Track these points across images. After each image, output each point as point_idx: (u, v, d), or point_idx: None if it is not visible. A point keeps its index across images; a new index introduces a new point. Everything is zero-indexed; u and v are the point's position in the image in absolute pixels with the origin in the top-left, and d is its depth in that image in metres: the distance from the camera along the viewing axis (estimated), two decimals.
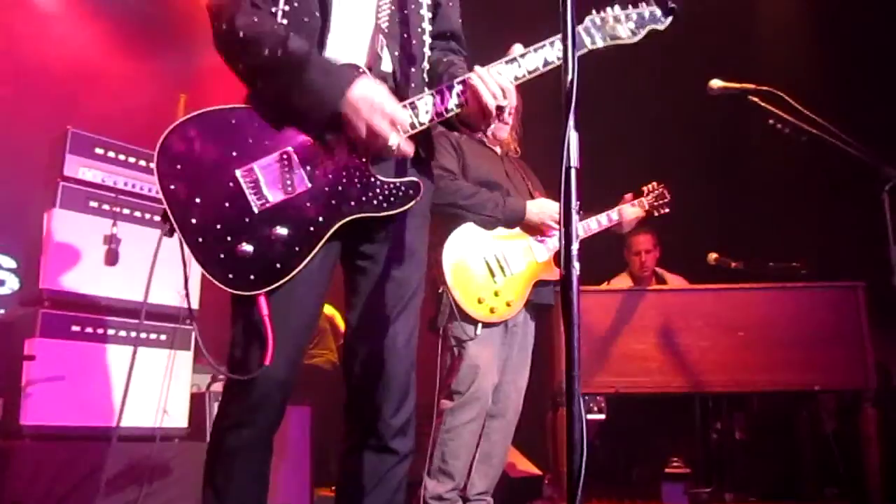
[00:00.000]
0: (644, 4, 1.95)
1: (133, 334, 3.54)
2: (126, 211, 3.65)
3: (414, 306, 1.99)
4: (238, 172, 1.77)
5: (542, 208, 3.39)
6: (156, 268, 3.64)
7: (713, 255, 4.68)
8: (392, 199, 1.83)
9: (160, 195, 1.77)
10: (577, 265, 1.21)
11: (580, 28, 1.87)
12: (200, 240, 1.75)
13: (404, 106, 1.82)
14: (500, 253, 3.36)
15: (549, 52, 1.84)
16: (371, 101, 1.73)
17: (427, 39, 2.00)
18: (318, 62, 1.76)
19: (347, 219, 1.82)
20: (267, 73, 1.78)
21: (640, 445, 5.21)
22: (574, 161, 1.28)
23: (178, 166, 1.76)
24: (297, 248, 1.78)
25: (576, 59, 1.36)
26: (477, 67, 1.83)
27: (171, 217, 1.75)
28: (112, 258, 3.54)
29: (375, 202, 1.82)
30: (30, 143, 5.00)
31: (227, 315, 1.95)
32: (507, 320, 3.35)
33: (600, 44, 1.90)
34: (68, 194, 3.49)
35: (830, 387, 3.90)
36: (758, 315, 3.94)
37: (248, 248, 1.75)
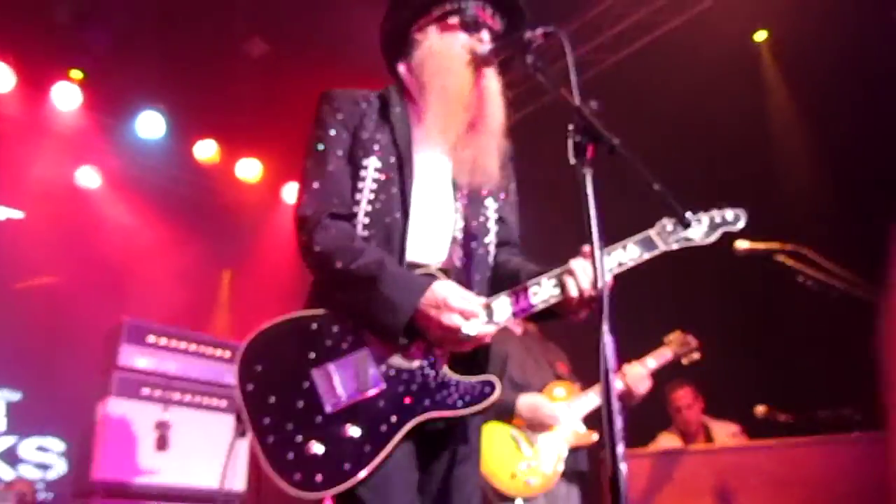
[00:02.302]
0: (716, 210, 2.03)
1: None
2: (176, 395, 3.76)
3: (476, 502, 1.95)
4: (313, 372, 1.79)
5: (534, 411, 3.32)
6: (205, 451, 3.73)
7: (760, 409, 4.55)
8: (467, 397, 1.81)
9: (239, 396, 1.79)
10: (623, 465, 1.25)
11: (652, 232, 1.94)
12: (271, 440, 1.74)
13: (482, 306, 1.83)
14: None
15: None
16: (439, 301, 1.77)
17: (492, 250, 2.06)
18: (390, 275, 1.79)
19: (420, 418, 1.78)
20: (342, 285, 1.83)
21: None
22: (611, 365, 1.35)
23: (258, 367, 1.80)
24: (367, 448, 1.74)
25: (604, 268, 1.44)
26: (580, 258, 1.86)
27: (245, 417, 1.76)
28: (163, 443, 3.63)
29: (450, 401, 1.80)
30: (81, 329, 5.22)
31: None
32: (546, 491, 3.30)
33: (674, 247, 1.95)
34: (122, 383, 3.63)
35: None
36: (816, 470, 3.76)
37: (317, 448, 1.73)
